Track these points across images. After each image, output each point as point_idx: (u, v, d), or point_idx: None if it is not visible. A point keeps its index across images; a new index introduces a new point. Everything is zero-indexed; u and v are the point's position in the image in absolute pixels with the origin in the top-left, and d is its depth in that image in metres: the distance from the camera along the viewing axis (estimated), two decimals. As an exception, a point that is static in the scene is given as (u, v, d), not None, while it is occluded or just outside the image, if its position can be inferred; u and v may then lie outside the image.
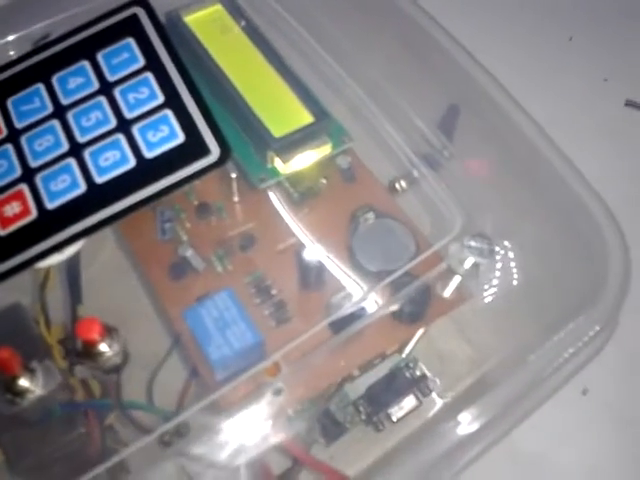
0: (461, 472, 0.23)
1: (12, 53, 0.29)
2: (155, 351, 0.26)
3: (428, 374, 0.30)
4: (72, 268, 0.28)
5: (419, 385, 0.30)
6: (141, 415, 0.26)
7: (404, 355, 0.29)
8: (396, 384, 0.30)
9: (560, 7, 0.48)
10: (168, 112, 0.25)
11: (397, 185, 0.30)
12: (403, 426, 0.29)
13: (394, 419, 0.29)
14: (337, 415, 0.29)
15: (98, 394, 0.27)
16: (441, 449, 0.23)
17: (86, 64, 0.26)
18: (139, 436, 0.25)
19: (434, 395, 0.30)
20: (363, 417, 0.29)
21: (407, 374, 0.30)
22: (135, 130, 0.25)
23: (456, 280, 0.26)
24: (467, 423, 0.23)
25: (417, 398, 0.29)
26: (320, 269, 0.27)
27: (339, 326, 0.24)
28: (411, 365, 0.30)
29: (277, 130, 0.27)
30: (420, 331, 0.28)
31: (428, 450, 0.23)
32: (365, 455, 0.29)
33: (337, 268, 0.27)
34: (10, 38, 0.29)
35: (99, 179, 0.24)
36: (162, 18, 0.28)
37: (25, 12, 0.30)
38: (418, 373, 0.30)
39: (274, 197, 0.28)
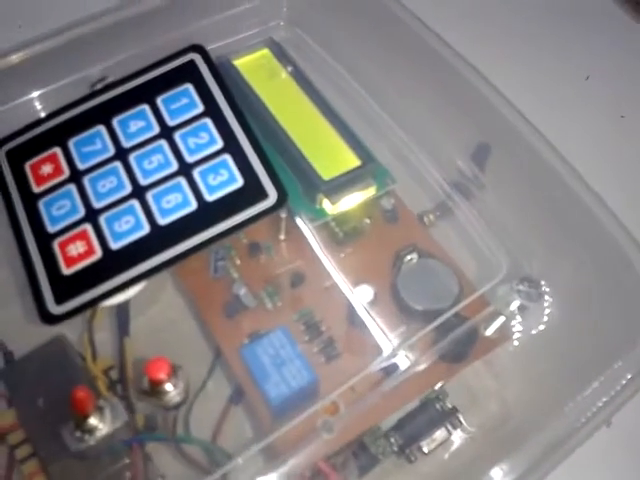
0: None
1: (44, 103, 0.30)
2: (210, 387, 0.27)
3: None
4: (122, 304, 0.29)
5: (450, 418, 0.30)
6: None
7: (436, 387, 0.30)
8: (427, 416, 0.30)
9: (576, 48, 0.49)
10: (227, 157, 0.26)
11: (425, 219, 0.31)
12: (435, 458, 0.30)
13: (425, 450, 0.30)
14: (370, 447, 0.30)
15: (141, 425, 0.28)
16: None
17: (146, 108, 0.27)
18: (180, 469, 0.26)
19: (463, 430, 0.30)
20: (395, 449, 0.30)
21: (437, 406, 0.30)
22: (196, 174, 0.26)
23: (500, 320, 0.27)
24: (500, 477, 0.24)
25: (447, 431, 0.30)
26: (366, 307, 0.28)
27: (391, 369, 0.25)
28: (441, 397, 0.31)
29: (326, 173, 0.28)
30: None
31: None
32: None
33: (383, 307, 0.28)
34: (65, 81, 0.30)
35: (162, 221, 0.25)
36: (213, 62, 0.29)
37: (80, 54, 0.31)
38: (449, 406, 0.31)
39: (321, 236, 0.29)
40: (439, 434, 0.30)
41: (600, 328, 0.27)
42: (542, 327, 0.28)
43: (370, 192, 0.29)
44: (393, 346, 0.26)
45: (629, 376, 0.25)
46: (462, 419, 0.30)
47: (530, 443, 0.24)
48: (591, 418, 0.25)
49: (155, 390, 0.23)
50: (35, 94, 0.30)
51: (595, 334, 0.27)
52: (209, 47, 0.30)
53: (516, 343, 0.28)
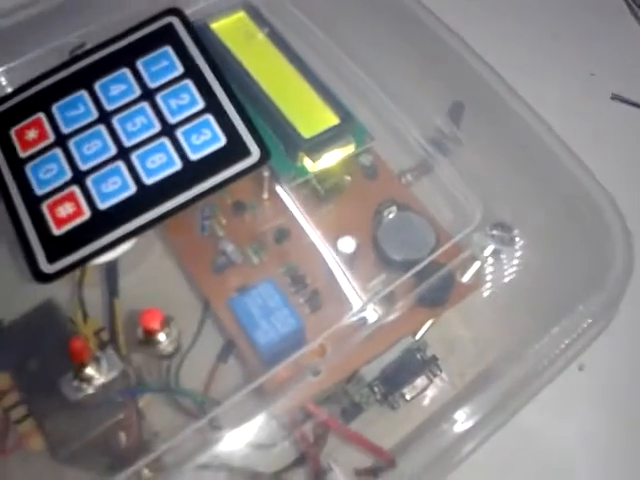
0: (469, 456, 0.25)
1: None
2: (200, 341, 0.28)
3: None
4: (110, 263, 0.29)
5: (430, 366, 0.32)
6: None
7: (417, 338, 0.32)
8: (409, 366, 0.32)
9: (546, 7, 0.50)
10: (209, 117, 0.27)
11: (403, 179, 0.32)
12: (416, 405, 0.31)
13: (408, 398, 0.31)
14: (354, 396, 0.31)
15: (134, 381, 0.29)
16: (450, 435, 0.25)
17: (126, 71, 0.28)
18: (172, 421, 0.27)
19: (443, 377, 0.32)
20: (378, 397, 0.31)
21: (418, 356, 0.32)
22: (179, 134, 0.26)
23: (476, 266, 0.28)
24: (472, 412, 0.25)
25: (428, 378, 0.32)
26: (348, 259, 0.29)
27: (372, 315, 0.27)
28: (422, 347, 0.32)
29: (306, 131, 0.29)
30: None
31: (441, 434, 0.25)
32: (381, 432, 0.31)
33: (364, 258, 0.29)
34: (45, 48, 0.30)
35: (148, 180, 0.26)
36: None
37: (59, 22, 0.31)
38: (429, 355, 0.32)
39: (303, 193, 0.30)
40: (420, 382, 0.32)
41: (568, 273, 0.29)
42: (514, 274, 0.30)
43: (349, 149, 0.30)
44: (374, 294, 0.27)
45: (590, 320, 0.26)
46: (441, 367, 0.32)
47: (497, 384, 0.26)
48: (558, 356, 0.26)
49: (149, 340, 0.24)
50: (13, 64, 0.30)
51: (564, 279, 0.29)
52: (186, 11, 0.30)
53: (490, 291, 0.29)
